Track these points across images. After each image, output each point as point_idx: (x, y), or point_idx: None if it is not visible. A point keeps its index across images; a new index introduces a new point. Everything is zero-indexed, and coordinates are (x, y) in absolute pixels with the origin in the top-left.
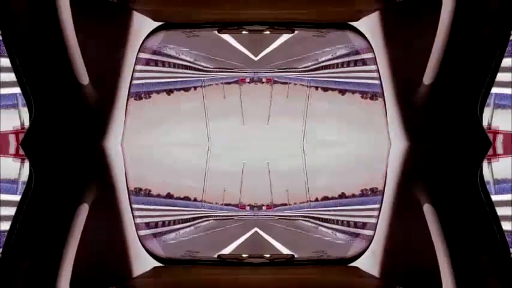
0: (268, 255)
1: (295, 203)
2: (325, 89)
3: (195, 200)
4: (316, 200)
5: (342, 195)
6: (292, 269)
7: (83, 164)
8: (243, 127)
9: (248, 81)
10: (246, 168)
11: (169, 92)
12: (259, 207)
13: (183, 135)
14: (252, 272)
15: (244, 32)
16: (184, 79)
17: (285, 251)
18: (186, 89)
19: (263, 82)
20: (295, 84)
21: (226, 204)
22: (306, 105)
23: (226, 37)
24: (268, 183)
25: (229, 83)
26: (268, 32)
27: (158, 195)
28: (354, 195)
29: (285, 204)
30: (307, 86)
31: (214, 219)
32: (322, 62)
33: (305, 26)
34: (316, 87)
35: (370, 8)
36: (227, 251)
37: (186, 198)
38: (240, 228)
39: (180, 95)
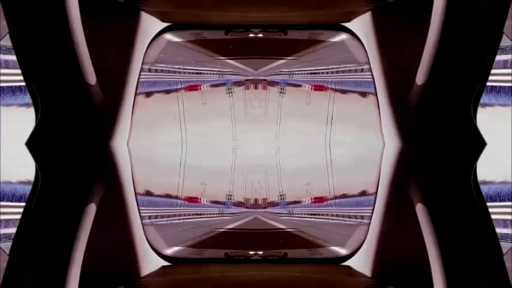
0: (261, 252)
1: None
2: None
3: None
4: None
5: (342, 196)
6: (286, 266)
7: (90, 164)
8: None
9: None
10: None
11: (168, 91)
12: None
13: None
14: (254, 269)
15: (251, 35)
16: (186, 79)
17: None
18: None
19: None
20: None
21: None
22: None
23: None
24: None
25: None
26: (261, 35)
27: (161, 196)
28: (352, 196)
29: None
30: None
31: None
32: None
33: (298, 28)
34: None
35: (361, 9)
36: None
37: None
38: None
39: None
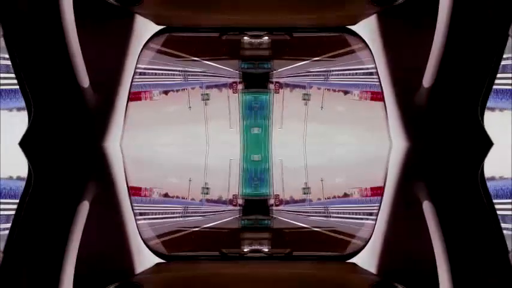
0: (266, 250)
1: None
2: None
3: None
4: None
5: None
6: (291, 263)
7: (82, 163)
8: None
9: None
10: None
11: (166, 92)
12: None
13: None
14: (252, 267)
15: (245, 38)
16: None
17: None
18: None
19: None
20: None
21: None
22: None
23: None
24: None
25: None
26: (267, 38)
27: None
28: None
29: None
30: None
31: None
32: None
33: (303, 31)
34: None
35: (367, 12)
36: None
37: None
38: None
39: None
